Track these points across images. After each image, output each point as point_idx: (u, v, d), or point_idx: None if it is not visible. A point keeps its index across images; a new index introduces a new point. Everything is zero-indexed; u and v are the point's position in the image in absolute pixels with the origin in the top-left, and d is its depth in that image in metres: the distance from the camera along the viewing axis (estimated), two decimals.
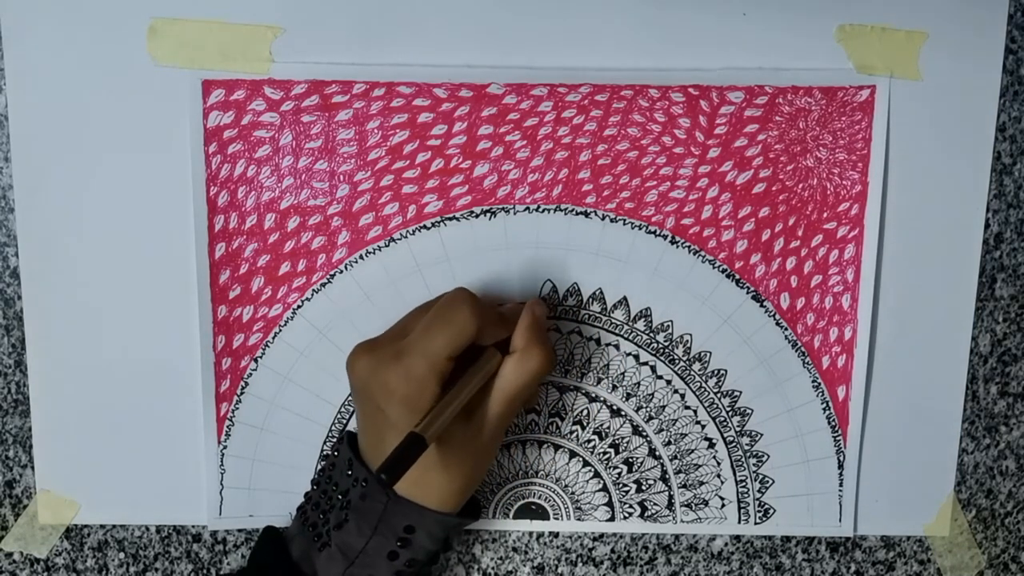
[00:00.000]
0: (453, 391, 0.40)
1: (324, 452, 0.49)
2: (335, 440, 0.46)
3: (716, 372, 0.50)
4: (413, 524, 0.42)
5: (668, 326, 0.49)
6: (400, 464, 0.37)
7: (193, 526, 0.51)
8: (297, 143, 0.47)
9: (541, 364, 0.42)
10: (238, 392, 0.49)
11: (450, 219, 0.48)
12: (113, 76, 0.46)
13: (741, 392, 0.50)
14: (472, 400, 0.42)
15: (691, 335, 0.49)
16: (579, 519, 0.51)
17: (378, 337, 0.43)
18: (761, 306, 0.49)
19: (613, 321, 0.49)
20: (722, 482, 0.51)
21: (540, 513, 0.51)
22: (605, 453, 0.51)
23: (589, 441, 0.51)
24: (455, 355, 0.40)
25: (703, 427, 0.50)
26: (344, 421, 0.49)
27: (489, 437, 0.43)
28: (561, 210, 0.48)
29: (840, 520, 0.51)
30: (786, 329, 0.49)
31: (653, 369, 0.50)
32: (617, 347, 0.50)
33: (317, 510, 0.44)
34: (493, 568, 0.52)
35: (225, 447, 0.50)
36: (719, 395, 0.50)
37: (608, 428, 0.50)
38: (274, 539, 0.45)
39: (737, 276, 0.49)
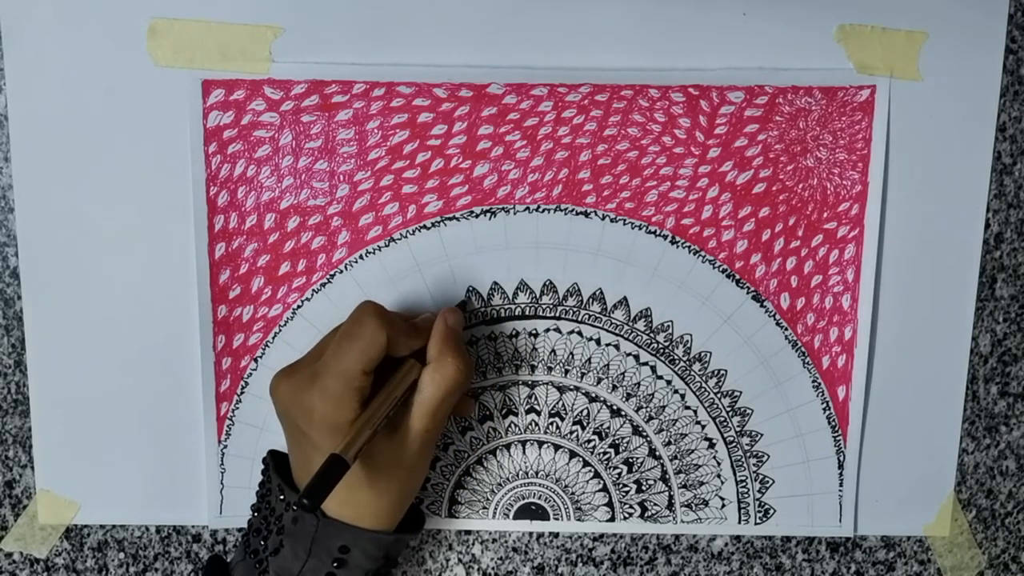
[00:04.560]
0: (371, 407, 0.40)
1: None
2: (263, 464, 0.46)
3: (716, 372, 0.50)
4: (347, 544, 0.42)
5: (668, 326, 0.49)
6: (321, 487, 0.36)
7: (193, 526, 0.51)
8: (297, 143, 0.47)
9: (455, 373, 0.42)
10: (238, 392, 0.49)
11: (450, 219, 0.48)
12: (113, 76, 0.46)
13: (741, 392, 0.50)
14: (396, 415, 0.42)
15: (691, 335, 0.49)
16: (579, 519, 0.51)
17: (296, 361, 0.43)
18: (761, 306, 0.49)
19: (613, 321, 0.49)
20: (722, 482, 0.51)
21: (540, 513, 0.51)
22: (605, 453, 0.51)
23: (589, 441, 0.51)
24: (369, 369, 0.40)
25: (703, 427, 0.50)
26: None
27: (416, 451, 0.42)
28: (561, 210, 0.48)
29: (840, 520, 0.51)
30: (786, 329, 0.49)
31: (653, 369, 0.50)
32: (617, 347, 0.49)
33: (258, 536, 0.44)
34: (493, 568, 0.52)
35: (225, 447, 0.50)
36: (719, 395, 0.50)
37: (608, 428, 0.50)
38: (218, 568, 0.45)
39: (737, 276, 0.49)
